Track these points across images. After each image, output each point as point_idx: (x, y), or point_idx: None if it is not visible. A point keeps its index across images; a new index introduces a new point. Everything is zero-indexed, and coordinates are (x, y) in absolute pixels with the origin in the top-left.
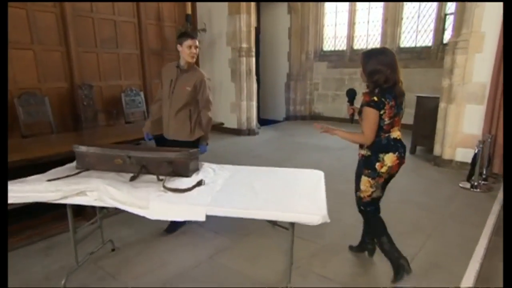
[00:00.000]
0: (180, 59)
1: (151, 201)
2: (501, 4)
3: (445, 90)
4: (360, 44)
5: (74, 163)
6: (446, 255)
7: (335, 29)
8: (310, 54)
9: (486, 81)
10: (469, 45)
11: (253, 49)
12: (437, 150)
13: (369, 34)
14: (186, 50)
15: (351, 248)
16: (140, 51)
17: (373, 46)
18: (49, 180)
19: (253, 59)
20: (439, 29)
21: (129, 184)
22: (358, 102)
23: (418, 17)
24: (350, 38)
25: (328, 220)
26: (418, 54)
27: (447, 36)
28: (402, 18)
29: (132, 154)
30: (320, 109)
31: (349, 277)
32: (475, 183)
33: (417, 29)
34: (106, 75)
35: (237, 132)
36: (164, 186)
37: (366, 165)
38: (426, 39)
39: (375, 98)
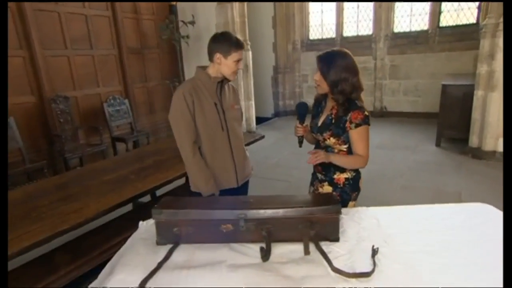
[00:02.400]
0: (211, 71)
1: None
2: None
3: (482, 76)
4: (350, 31)
5: (143, 231)
6: None
7: (321, 16)
8: (297, 44)
9: None
10: None
11: (249, 42)
12: (473, 142)
13: (359, 20)
14: (232, 66)
15: None
16: (118, 51)
17: (366, 33)
18: (143, 285)
19: (250, 53)
20: (436, 12)
21: (278, 276)
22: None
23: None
24: (340, 24)
25: None
26: (414, 39)
27: (443, 19)
28: (395, 2)
29: (249, 215)
30: (310, 102)
31: None
32: None
33: (411, 12)
34: (81, 83)
35: None
36: (335, 270)
37: (354, 189)
38: (421, 23)
39: (367, 113)
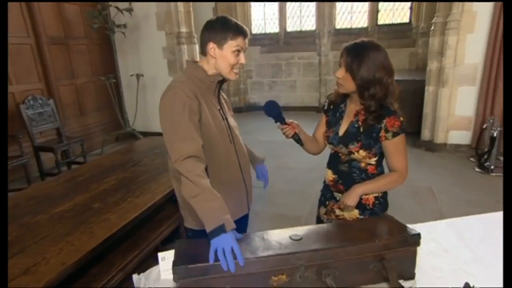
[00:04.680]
0: (206, 68)
1: None
2: None
3: (433, 73)
4: (294, 26)
5: None
6: None
7: (264, 9)
8: None
9: (478, 62)
10: (460, 25)
11: (195, 34)
12: (425, 135)
13: (302, 15)
14: (230, 58)
15: None
16: (34, 40)
17: (309, 29)
18: None
19: (196, 47)
20: (374, 10)
21: None
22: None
23: None
24: (283, 19)
25: None
26: (356, 36)
27: (381, 17)
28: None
29: (310, 258)
30: (255, 98)
31: None
32: (492, 167)
33: (351, 10)
34: None
35: None
36: None
37: (384, 208)
38: (361, 21)
39: (402, 119)
